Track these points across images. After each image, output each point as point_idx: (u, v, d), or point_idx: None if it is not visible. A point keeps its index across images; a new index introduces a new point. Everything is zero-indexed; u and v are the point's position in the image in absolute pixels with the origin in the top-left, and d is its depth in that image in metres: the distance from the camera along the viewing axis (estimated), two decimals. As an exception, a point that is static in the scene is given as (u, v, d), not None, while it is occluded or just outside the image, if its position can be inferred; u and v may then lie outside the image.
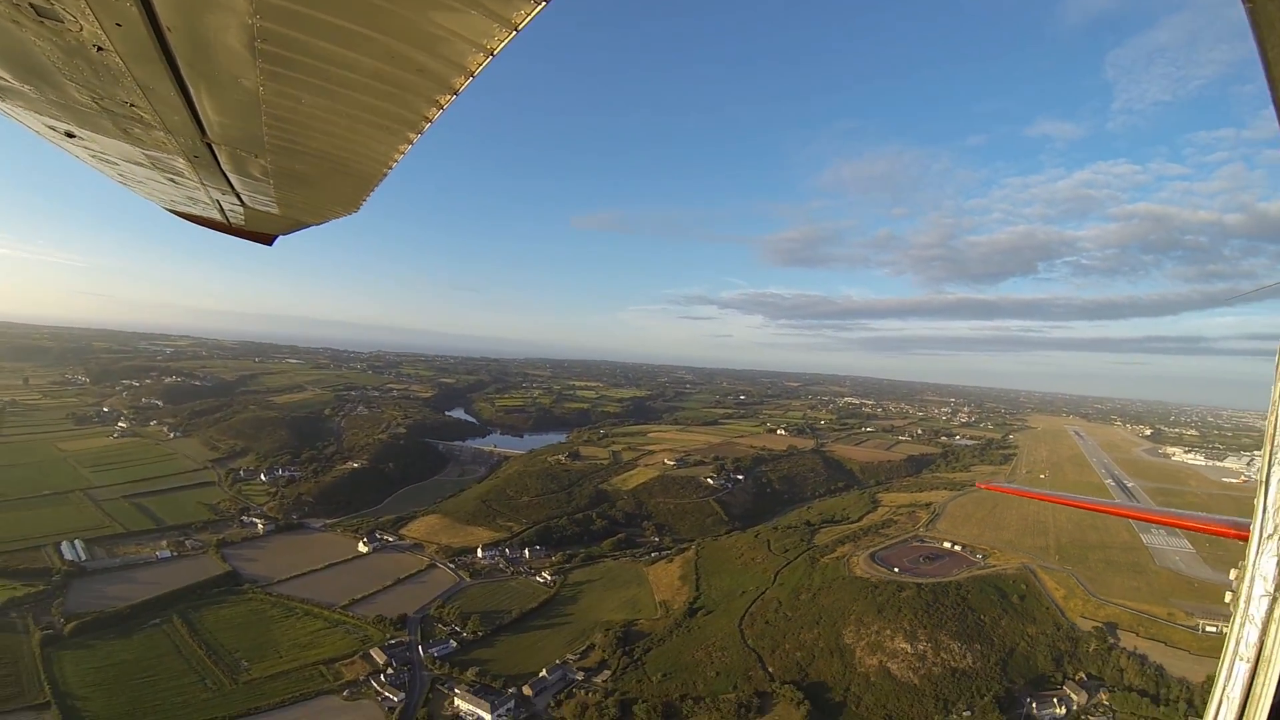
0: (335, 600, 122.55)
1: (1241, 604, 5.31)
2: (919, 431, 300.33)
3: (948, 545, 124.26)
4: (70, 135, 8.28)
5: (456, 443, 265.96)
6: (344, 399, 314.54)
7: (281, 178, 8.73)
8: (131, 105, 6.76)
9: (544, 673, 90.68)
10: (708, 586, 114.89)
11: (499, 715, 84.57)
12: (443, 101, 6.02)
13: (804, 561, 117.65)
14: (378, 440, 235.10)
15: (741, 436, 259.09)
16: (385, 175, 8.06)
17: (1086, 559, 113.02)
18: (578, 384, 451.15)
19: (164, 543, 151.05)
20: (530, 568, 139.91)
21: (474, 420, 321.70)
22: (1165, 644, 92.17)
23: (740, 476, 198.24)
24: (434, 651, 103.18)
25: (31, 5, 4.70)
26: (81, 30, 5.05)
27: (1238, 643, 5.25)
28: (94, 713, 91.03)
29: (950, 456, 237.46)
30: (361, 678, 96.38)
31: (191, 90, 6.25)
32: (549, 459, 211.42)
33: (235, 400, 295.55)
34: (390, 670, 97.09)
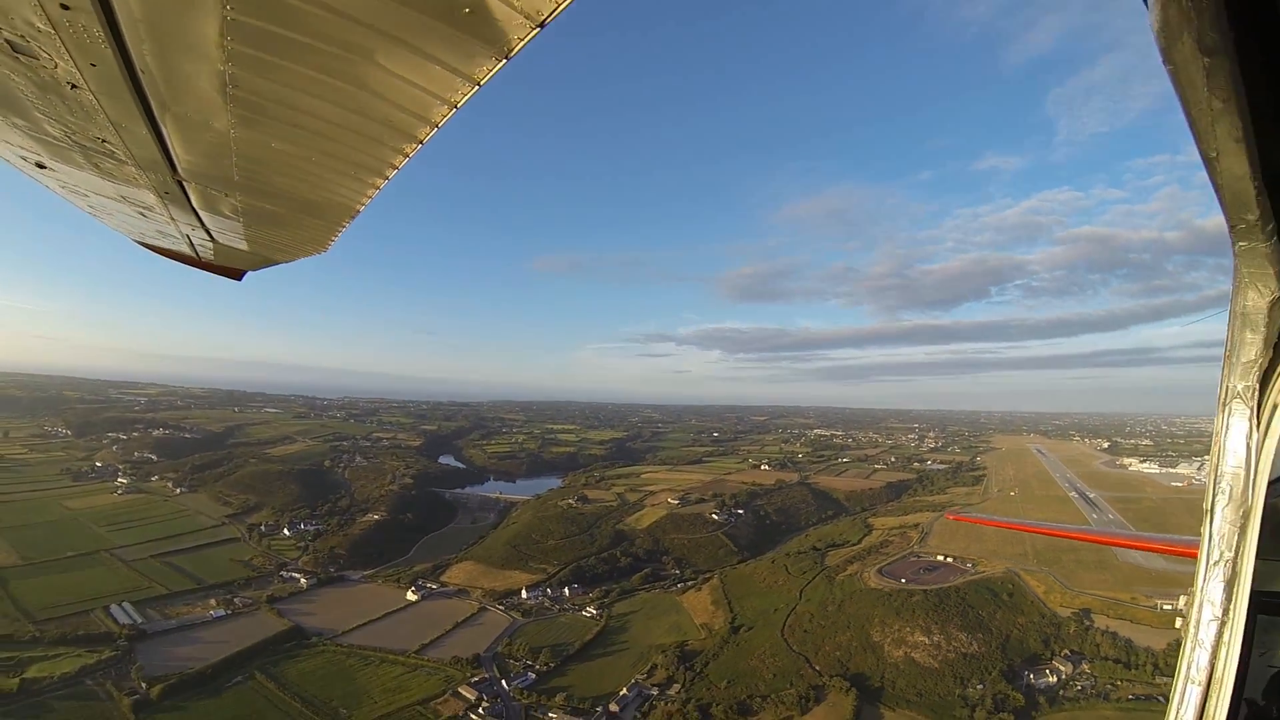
0: (405, 646, 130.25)
1: (1192, 628, 5.59)
2: (892, 459, 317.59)
3: (941, 558, 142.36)
4: (41, 166, 8.61)
5: (459, 490, 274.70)
6: (338, 450, 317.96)
7: (251, 216, 9.14)
8: (103, 141, 7.12)
9: (624, 691, 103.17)
10: (740, 608, 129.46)
11: (625, 706, 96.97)
12: (408, 150, 6.51)
13: (822, 580, 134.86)
14: (389, 491, 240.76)
15: (729, 473, 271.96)
16: (354, 217, 8.52)
17: (1060, 560, 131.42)
18: (555, 427, 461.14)
19: (213, 601, 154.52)
20: (573, 604, 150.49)
21: (467, 467, 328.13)
22: (1131, 622, 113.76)
23: (740, 511, 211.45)
24: (517, 684, 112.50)
25: (8, 41, 5.07)
26: (56, 68, 5.42)
27: (1189, 666, 5.55)
28: None
29: (926, 481, 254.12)
30: (460, 713, 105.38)
31: (164, 129, 6.61)
32: (560, 503, 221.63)
33: (233, 453, 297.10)
34: (485, 704, 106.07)
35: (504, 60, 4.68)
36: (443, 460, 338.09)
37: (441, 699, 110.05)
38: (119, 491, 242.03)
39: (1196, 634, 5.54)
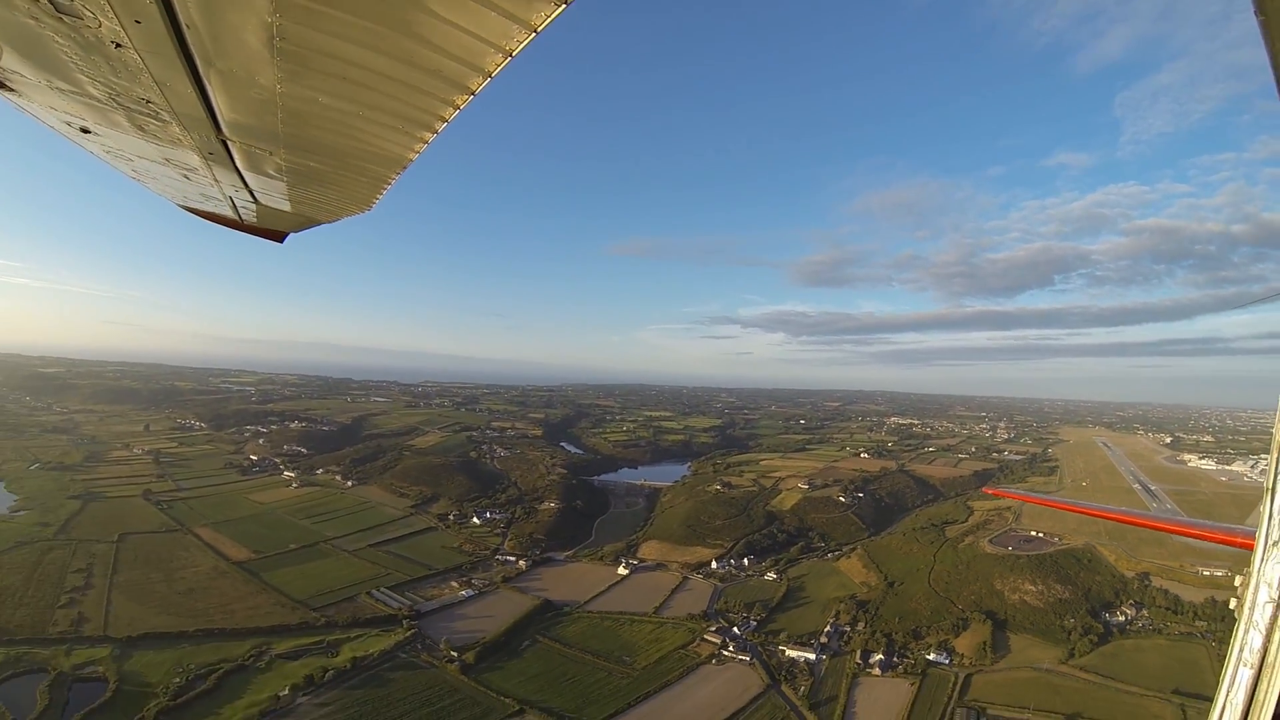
0: (644, 609, 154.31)
1: (1246, 610, 5.53)
2: (972, 449, 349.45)
3: (1034, 533, 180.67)
4: (85, 131, 8.66)
5: (603, 478, 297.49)
6: (473, 441, 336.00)
7: (296, 175, 9.18)
8: (148, 102, 7.12)
9: (826, 628, 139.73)
10: (887, 569, 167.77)
11: (816, 653, 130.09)
12: (459, 102, 6.44)
13: (948, 548, 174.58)
14: (551, 481, 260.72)
15: (836, 461, 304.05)
16: (400, 174, 8.55)
17: (1125, 537, 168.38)
18: (653, 414, 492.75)
19: (454, 584, 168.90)
20: (755, 571, 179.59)
21: (597, 455, 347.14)
22: (1179, 582, 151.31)
23: (860, 494, 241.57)
24: (744, 629, 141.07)
25: (51, 1, 5.02)
26: (100, 26, 5.41)
27: (1241, 649, 5.45)
28: (561, 706, 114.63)
29: (1006, 470, 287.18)
30: (715, 651, 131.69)
31: (208, 87, 6.60)
32: (708, 489, 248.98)
33: (381, 446, 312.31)
34: (729, 645, 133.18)
35: (563, 4, 4.69)
36: (565, 447, 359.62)
37: (694, 644, 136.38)
38: (293, 485, 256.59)
39: (1251, 616, 5.65)
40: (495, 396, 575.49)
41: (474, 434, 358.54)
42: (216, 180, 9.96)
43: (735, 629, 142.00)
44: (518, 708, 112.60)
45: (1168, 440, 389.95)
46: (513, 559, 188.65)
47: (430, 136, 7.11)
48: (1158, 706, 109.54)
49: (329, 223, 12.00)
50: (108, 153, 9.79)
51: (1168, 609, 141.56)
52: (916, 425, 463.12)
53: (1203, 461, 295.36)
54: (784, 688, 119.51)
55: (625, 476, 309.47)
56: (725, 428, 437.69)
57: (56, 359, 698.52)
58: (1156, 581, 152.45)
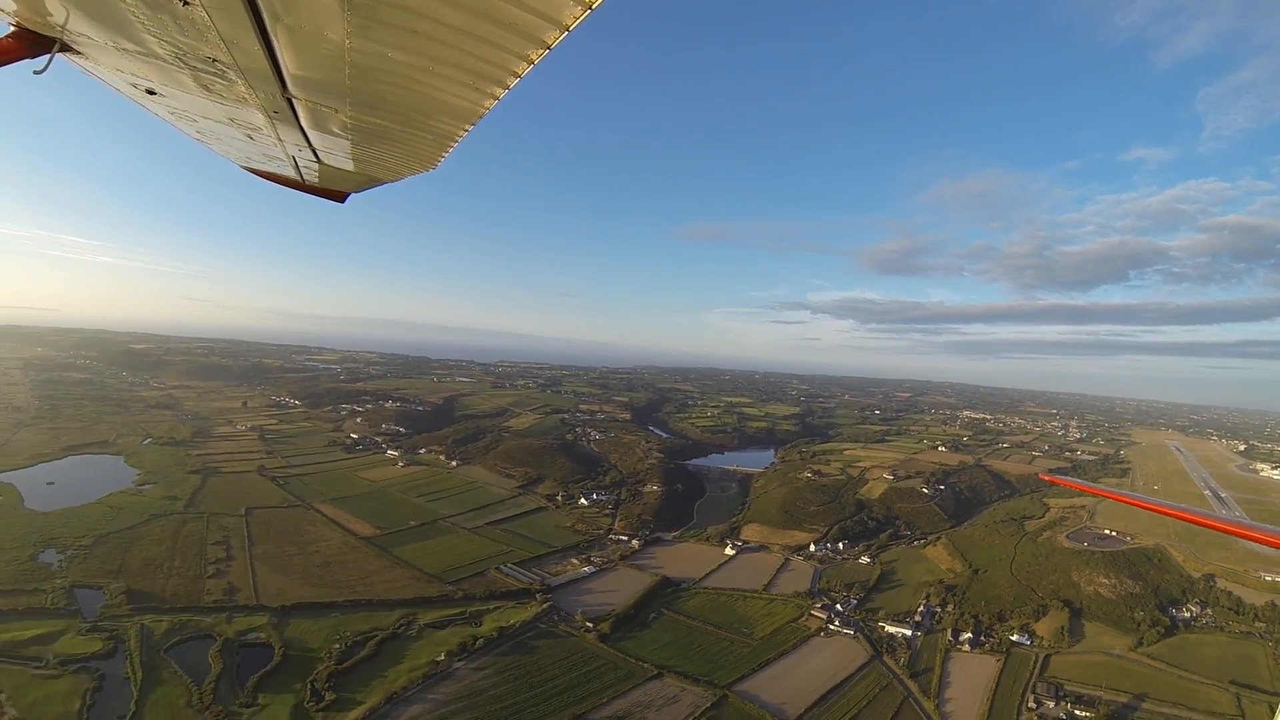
0: (753, 587, 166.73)
1: None
2: (1045, 447, 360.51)
3: (1108, 531, 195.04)
4: (151, 92, 8.74)
5: (695, 462, 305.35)
6: (566, 423, 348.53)
7: (360, 133, 9.14)
8: (214, 60, 7.16)
9: (920, 608, 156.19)
10: (971, 558, 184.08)
11: (912, 630, 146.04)
12: (533, 56, 6.22)
13: (1028, 540, 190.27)
14: (650, 465, 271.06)
15: (916, 454, 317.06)
16: (467, 132, 8.37)
17: (1194, 540, 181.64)
18: (729, 399, 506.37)
19: (574, 561, 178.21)
20: (849, 555, 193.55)
21: (685, 440, 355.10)
22: (1242, 585, 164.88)
23: (941, 487, 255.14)
24: (847, 607, 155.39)
25: None
26: None
27: None
28: (694, 670, 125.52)
29: (1079, 470, 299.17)
30: (823, 625, 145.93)
31: (275, 44, 6.61)
32: (800, 476, 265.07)
33: (480, 427, 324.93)
34: (834, 620, 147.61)
35: None
36: (654, 431, 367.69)
37: (802, 619, 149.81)
38: (399, 464, 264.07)
39: None
40: (576, 379, 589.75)
41: (565, 416, 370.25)
42: (280, 140, 10.06)
43: (838, 606, 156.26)
44: (655, 671, 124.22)
45: (1241, 448, 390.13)
46: (624, 538, 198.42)
47: (501, 93, 7.03)
48: (1216, 694, 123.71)
49: (391, 182, 11.98)
50: (173, 114, 10.03)
51: (1230, 609, 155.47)
52: (989, 420, 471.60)
53: (1276, 471, 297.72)
54: (886, 659, 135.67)
55: (715, 461, 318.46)
56: (804, 416, 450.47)
57: (144, 335, 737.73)
58: (1221, 583, 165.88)
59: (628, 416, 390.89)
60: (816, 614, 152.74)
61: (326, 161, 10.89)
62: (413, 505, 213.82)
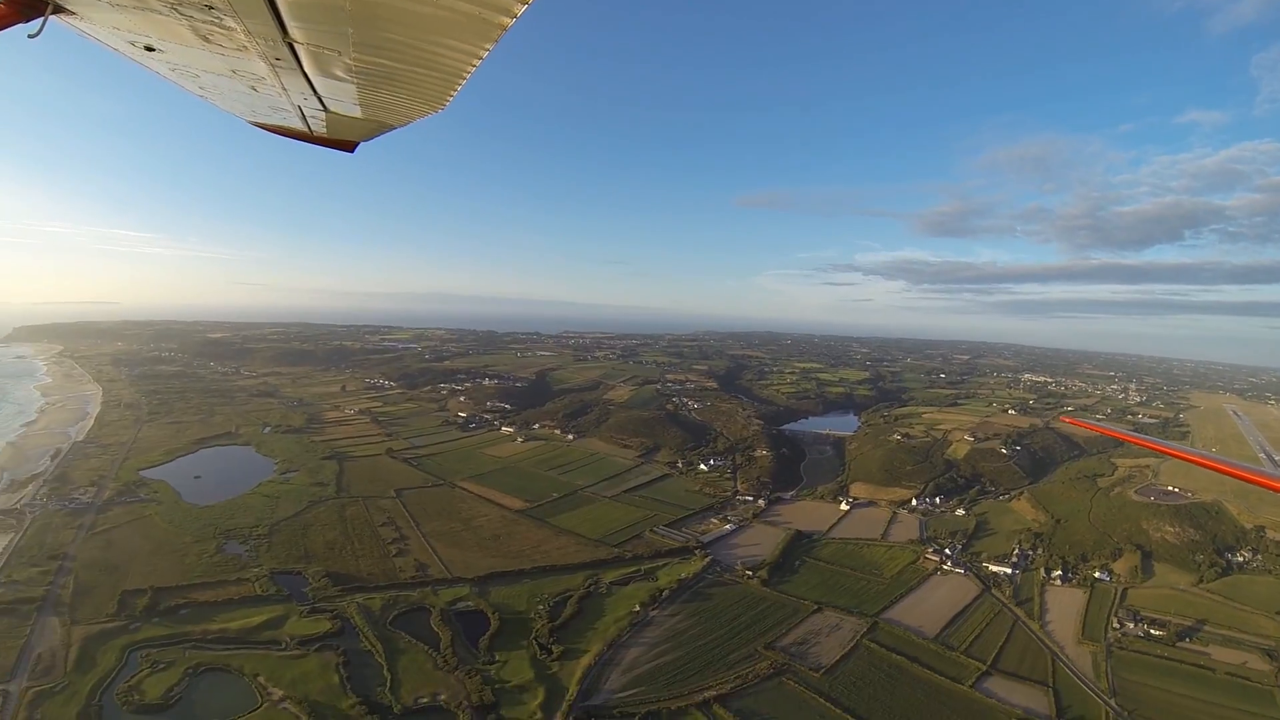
0: (871, 536, 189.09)
1: None
2: (1108, 410, 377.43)
3: (1171, 488, 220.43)
4: (150, 49, 8.61)
5: (787, 428, 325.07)
6: (661, 394, 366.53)
7: (365, 76, 9.02)
8: (210, 8, 7.04)
9: (1015, 552, 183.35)
10: (1052, 510, 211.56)
11: (1011, 568, 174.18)
12: None
13: (1101, 495, 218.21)
14: (753, 431, 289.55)
15: (988, 417, 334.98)
16: (475, 68, 8.17)
17: (1248, 496, 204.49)
18: (800, 365, 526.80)
19: (714, 520, 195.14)
20: (946, 509, 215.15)
21: (774, 406, 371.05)
22: None
23: (1018, 447, 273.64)
24: (956, 551, 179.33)
25: None
26: None
27: None
28: (844, 604, 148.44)
29: (1141, 432, 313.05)
30: (936, 567, 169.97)
31: None
32: (889, 439, 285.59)
33: (582, 401, 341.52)
34: (946, 562, 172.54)
35: None
36: (741, 398, 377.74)
37: (918, 562, 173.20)
38: (518, 440, 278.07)
39: None
40: (649, 348, 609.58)
41: (658, 387, 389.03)
42: (285, 89, 9.95)
43: (947, 550, 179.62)
44: (815, 606, 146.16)
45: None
46: (749, 499, 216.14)
47: (509, 22, 6.77)
48: (1264, 622, 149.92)
49: (400, 126, 11.81)
50: (174, 70, 9.90)
51: (1278, 555, 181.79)
52: (1051, 384, 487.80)
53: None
54: (993, 591, 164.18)
55: (805, 426, 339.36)
56: (875, 380, 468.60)
57: (214, 323, 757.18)
58: (1270, 534, 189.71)
59: (714, 385, 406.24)
60: (930, 557, 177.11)
61: (333, 109, 10.95)
62: (547, 478, 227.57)
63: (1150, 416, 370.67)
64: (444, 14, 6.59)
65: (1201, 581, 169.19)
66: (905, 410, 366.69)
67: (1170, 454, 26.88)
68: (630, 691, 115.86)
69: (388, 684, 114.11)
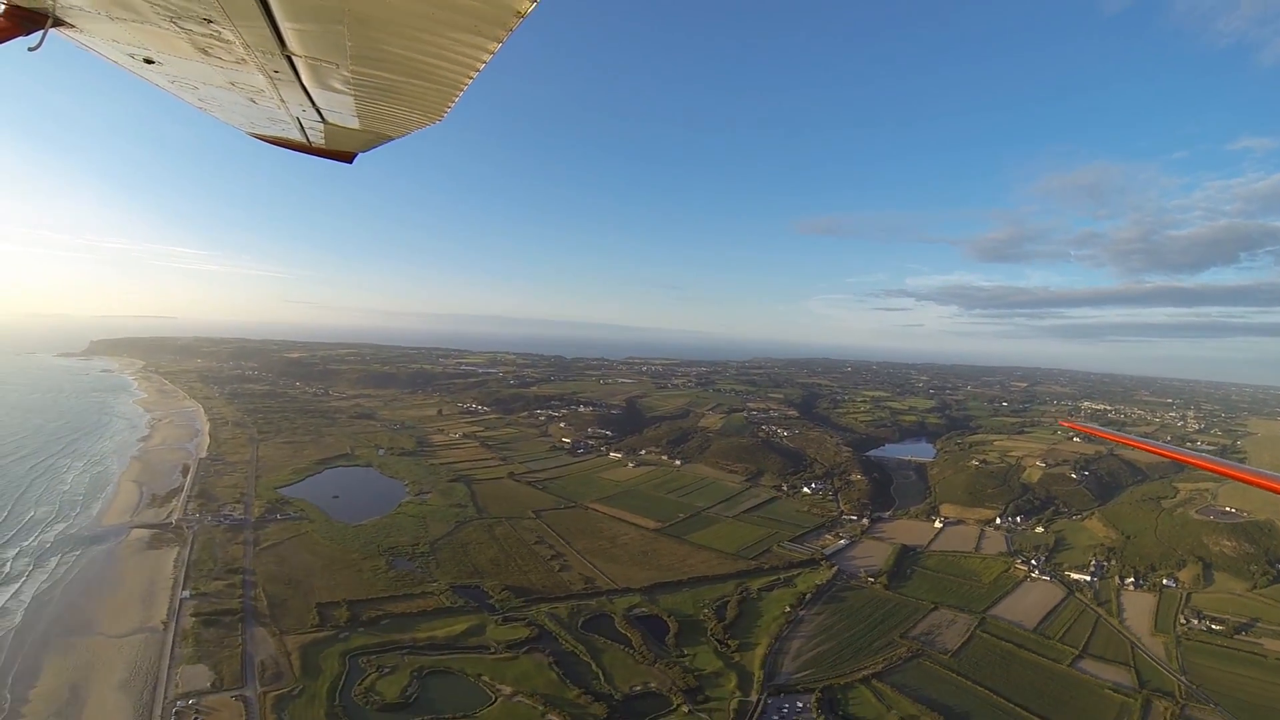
0: (966, 549, 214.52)
1: None
2: (1167, 438, 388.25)
3: (1227, 508, 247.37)
4: (149, 61, 8.68)
5: (872, 454, 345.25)
6: (750, 421, 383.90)
7: (364, 88, 9.07)
8: (209, 21, 7.08)
9: (1092, 563, 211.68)
10: (1122, 527, 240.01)
11: (1090, 576, 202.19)
12: None
13: (1166, 515, 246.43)
14: (845, 457, 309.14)
15: (1056, 444, 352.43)
16: (473, 79, 8.17)
17: None
18: (869, 393, 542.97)
19: (829, 536, 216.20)
20: (1027, 527, 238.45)
21: (855, 434, 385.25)
22: None
23: (1086, 473, 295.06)
24: (1041, 562, 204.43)
25: None
26: None
27: None
28: (954, 603, 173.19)
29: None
30: (1026, 575, 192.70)
31: (271, 0, 6.56)
32: (968, 464, 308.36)
33: (680, 429, 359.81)
34: (1033, 570, 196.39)
35: None
36: (824, 427, 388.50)
37: (1009, 570, 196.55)
38: (629, 465, 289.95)
39: None
40: (720, 375, 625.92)
41: (743, 415, 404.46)
42: (283, 101, 9.97)
43: (1033, 561, 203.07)
44: (932, 605, 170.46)
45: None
46: (853, 518, 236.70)
47: (505, 34, 6.85)
48: None
49: (399, 137, 11.75)
50: (173, 83, 9.94)
51: None
52: (1110, 412, 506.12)
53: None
54: (1076, 595, 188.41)
55: (887, 452, 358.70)
56: (942, 409, 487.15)
57: (285, 342, 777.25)
58: None
59: (795, 413, 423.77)
60: (1019, 567, 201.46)
61: (331, 120, 10.96)
62: (668, 501, 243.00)
63: (1207, 444, 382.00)
64: (441, 28, 6.87)
65: (1255, 588, 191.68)
66: (976, 438, 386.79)
67: (1166, 455, 28.98)
68: (804, 673, 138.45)
69: (600, 677, 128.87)
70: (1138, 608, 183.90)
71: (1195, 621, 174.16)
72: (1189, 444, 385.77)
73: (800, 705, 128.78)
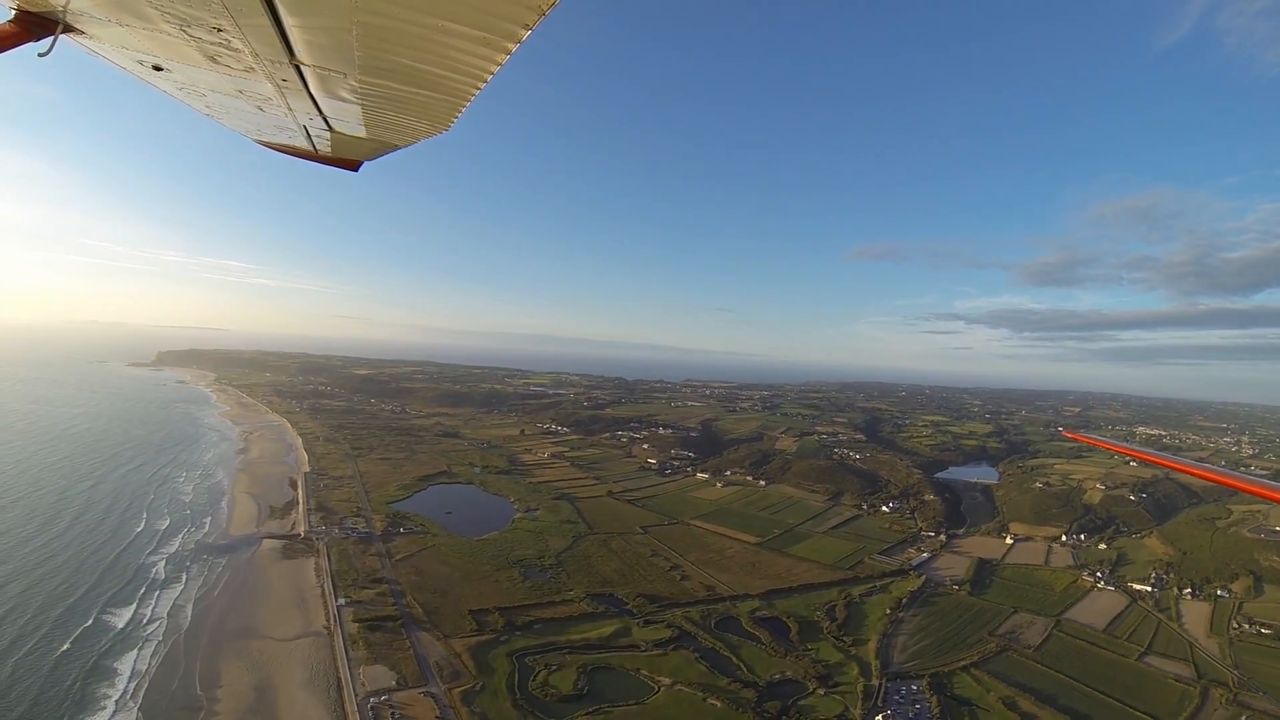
0: (1037, 563, 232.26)
1: None
2: (1221, 463, 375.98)
3: (1278, 528, 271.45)
4: (158, 68, 8.72)
5: (940, 476, 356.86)
6: (823, 445, 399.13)
7: (371, 97, 9.12)
8: (219, 30, 7.15)
9: (1152, 575, 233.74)
10: (1178, 545, 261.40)
11: (1151, 587, 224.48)
12: (544, 7, 6.09)
13: (1220, 533, 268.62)
14: (917, 479, 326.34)
15: (1113, 469, 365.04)
16: (480, 90, 8.23)
17: None
18: (928, 418, 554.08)
19: (912, 550, 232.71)
20: (1089, 544, 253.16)
21: (921, 457, 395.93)
22: None
23: (1144, 495, 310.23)
24: (1106, 575, 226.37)
25: None
26: None
27: None
28: (1031, 607, 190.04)
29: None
30: (1093, 585, 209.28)
31: (280, 9, 6.60)
32: (1033, 485, 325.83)
33: (760, 451, 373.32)
34: (1100, 581, 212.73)
35: None
36: (891, 450, 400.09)
37: (1078, 581, 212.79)
38: (717, 485, 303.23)
39: None
40: (781, 399, 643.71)
41: (814, 438, 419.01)
42: (290, 109, 10.04)
43: (1099, 573, 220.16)
44: (1012, 609, 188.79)
45: None
46: (931, 535, 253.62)
47: (513, 47, 6.91)
48: None
49: (405, 147, 11.68)
50: (181, 90, 10.02)
51: None
52: (1165, 437, 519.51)
53: None
54: (1139, 603, 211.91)
55: (954, 474, 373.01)
56: (1000, 434, 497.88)
57: (349, 358, 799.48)
58: None
59: (862, 437, 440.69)
60: (1086, 578, 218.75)
61: (338, 129, 11.00)
62: (761, 518, 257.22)
63: (1261, 469, 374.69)
64: (449, 39, 6.92)
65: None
66: (1036, 461, 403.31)
67: (1161, 463, 30.71)
68: (912, 663, 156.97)
69: (743, 668, 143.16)
70: (1195, 614, 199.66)
71: (1247, 626, 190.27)
72: (1242, 468, 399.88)
73: (915, 688, 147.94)
